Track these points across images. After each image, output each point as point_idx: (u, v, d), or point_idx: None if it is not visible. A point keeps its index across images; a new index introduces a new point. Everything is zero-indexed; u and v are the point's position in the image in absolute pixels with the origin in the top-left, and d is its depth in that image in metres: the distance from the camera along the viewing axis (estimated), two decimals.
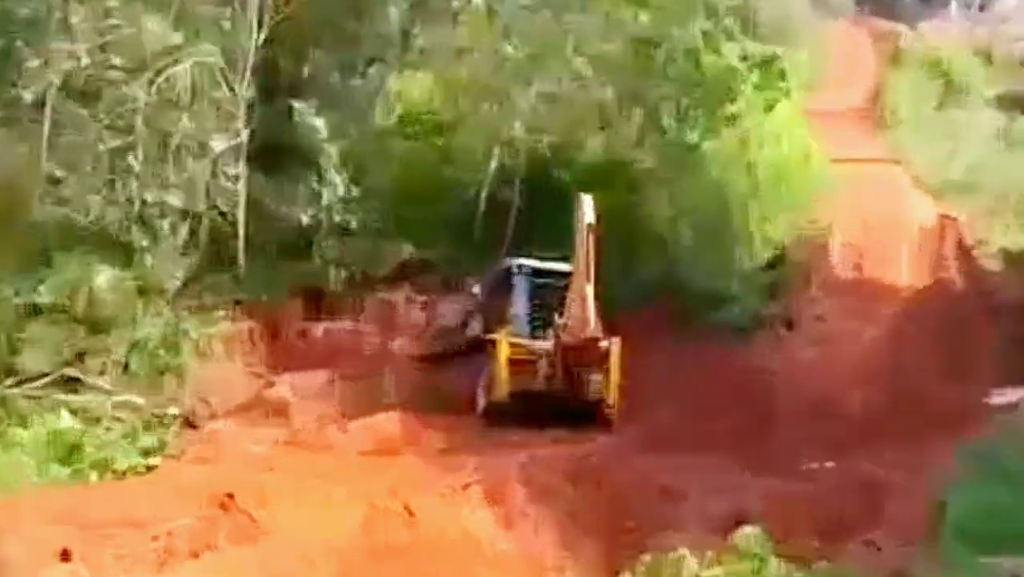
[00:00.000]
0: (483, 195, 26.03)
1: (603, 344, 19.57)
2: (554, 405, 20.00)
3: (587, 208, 19.31)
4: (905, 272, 28.15)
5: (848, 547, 14.64)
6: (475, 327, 22.55)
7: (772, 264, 27.49)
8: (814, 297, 26.57)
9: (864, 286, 27.44)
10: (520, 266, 21.65)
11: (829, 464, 18.07)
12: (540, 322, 20.91)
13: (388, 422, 19.74)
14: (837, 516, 15.91)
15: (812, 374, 23.26)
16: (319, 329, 23.19)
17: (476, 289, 23.32)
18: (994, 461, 16.19)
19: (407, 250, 24.68)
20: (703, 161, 27.95)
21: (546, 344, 20.20)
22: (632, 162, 27.41)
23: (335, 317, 23.51)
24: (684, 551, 12.30)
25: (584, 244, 18.98)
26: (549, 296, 20.92)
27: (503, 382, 20.03)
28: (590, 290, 18.92)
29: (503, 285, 21.78)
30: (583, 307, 18.92)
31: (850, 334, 24.87)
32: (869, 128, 42.43)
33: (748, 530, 12.46)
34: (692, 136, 27.61)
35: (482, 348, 21.48)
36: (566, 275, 20.13)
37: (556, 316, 19.95)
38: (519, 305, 21.26)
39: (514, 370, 20.07)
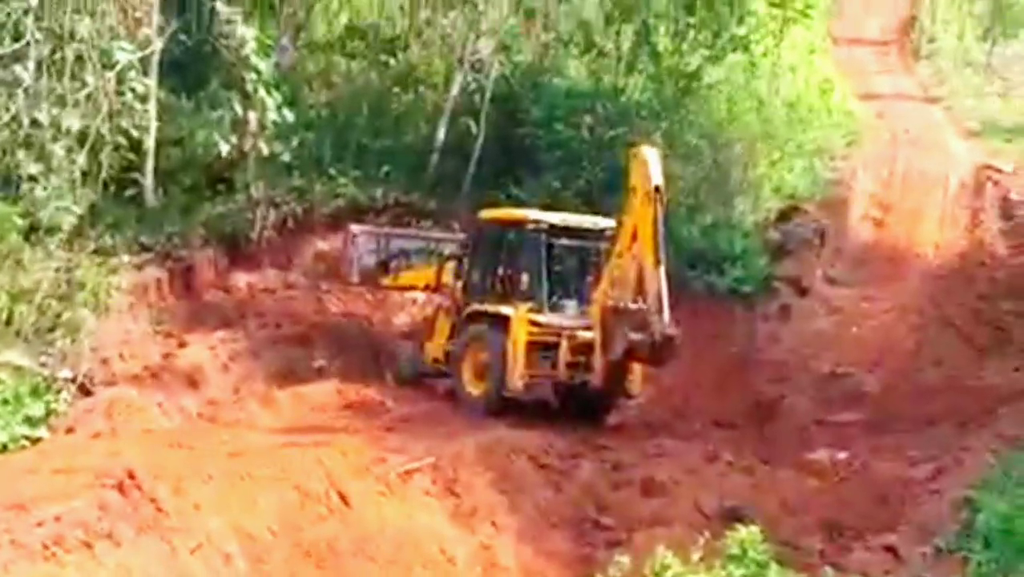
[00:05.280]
0: (442, 126, 25.88)
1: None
2: (571, 397, 19.83)
3: (652, 164, 18.17)
4: (937, 231, 28.27)
5: (861, 552, 14.74)
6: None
7: (783, 217, 27.59)
8: (830, 258, 26.65)
9: (889, 246, 27.56)
10: (535, 221, 19.65)
11: (841, 455, 18.15)
12: (559, 294, 19.80)
13: (322, 393, 19.66)
14: (849, 516, 16.02)
15: (825, 348, 23.37)
16: (240, 281, 22.91)
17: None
18: None
19: (348, 189, 24.45)
20: (703, 93, 27.88)
21: (570, 321, 19.40)
22: (620, 91, 27.35)
23: (260, 267, 23.25)
24: (667, 552, 12.26)
25: (650, 213, 17.90)
26: (569, 261, 20.01)
27: (519, 369, 19.03)
28: (662, 274, 17.86)
29: (491, 242, 20.34)
30: (659, 298, 17.79)
31: (870, 302, 24.97)
32: (901, 60, 42.58)
33: (743, 530, 12.45)
34: (691, 62, 27.55)
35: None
36: (597, 235, 19.46)
37: (578, 289, 19.63)
38: (533, 271, 19.57)
39: (532, 356, 19.15)
